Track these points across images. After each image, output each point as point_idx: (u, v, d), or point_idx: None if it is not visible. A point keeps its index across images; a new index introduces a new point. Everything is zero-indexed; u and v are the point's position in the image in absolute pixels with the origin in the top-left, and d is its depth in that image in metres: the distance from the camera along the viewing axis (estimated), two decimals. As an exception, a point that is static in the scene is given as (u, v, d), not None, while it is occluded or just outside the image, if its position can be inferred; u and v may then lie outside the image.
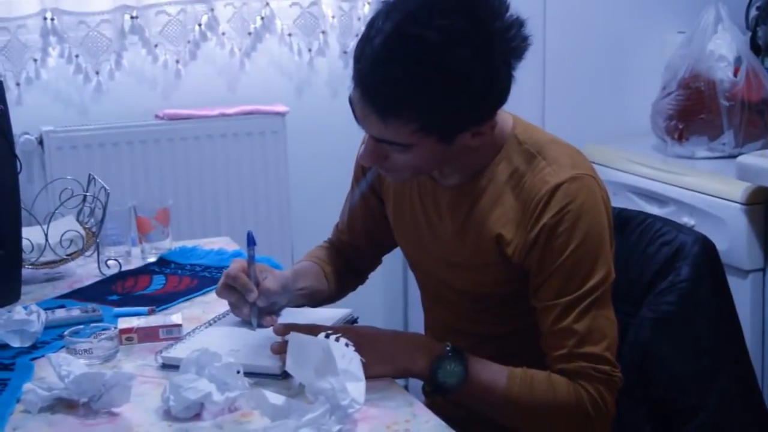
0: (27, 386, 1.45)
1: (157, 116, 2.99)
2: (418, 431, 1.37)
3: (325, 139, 3.14)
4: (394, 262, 2.25)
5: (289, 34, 3.09)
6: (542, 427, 1.56)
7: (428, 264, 1.73)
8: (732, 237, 2.43)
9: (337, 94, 3.15)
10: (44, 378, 1.49)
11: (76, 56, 2.90)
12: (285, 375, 1.49)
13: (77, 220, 2.13)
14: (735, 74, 2.72)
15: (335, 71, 3.16)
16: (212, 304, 1.83)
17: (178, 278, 2.01)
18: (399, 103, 1.45)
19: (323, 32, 3.11)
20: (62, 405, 1.45)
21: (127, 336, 1.67)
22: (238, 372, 1.42)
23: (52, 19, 2.86)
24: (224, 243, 2.22)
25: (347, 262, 1.91)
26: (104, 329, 1.65)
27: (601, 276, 1.53)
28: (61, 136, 2.88)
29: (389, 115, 1.47)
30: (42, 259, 1.99)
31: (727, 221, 2.46)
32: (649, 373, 1.69)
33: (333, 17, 3.10)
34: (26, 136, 2.84)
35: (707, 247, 1.71)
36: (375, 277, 1.99)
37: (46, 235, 1.97)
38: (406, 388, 1.53)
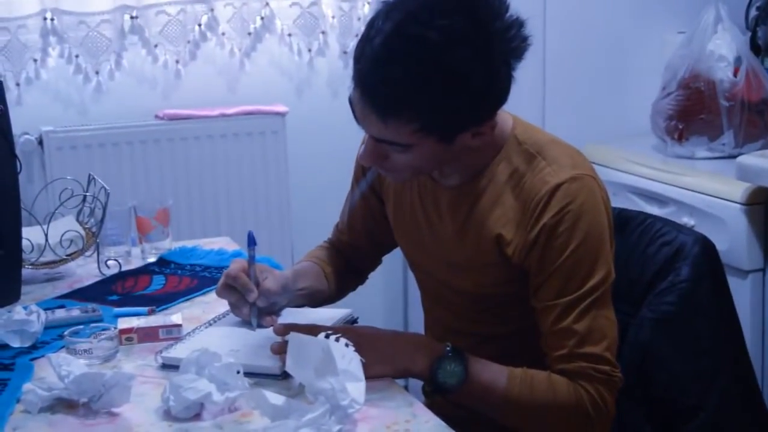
0: (27, 386, 1.44)
1: (157, 116, 2.99)
2: (418, 431, 1.37)
3: (325, 139, 3.14)
4: (394, 262, 2.25)
5: (289, 34, 3.09)
6: (542, 428, 1.56)
7: (428, 264, 1.73)
8: (732, 237, 2.43)
9: (337, 94, 3.15)
10: (44, 378, 1.49)
11: (76, 56, 2.90)
12: (285, 375, 1.49)
13: (77, 220, 2.13)
14: (735, 74, 2.72)
15: (335, 71, 3.16)
16: (212, 304, 1.83)
17: (178, 278, 2.01)
18: (399, 103, 1.45)
19: (323, 32, 3.11)
20: (62, 405, 1.45)
21: (127, 336, 1.67)
22: (238, 372, 1.42)
23: (52, 19, 2.86)
24: (224, 243, 2.22)
25: (347, 262, 1.91)
26: (104, 329, 1.65)
27: (601, 276, 1.53)
28: (61, 136, 2.88)
29: (389, 115, 1.47)
30: (42, 259, 1.99)
31: (727, 221, 2.46)
32: (649, 373, 1.69)
33: (333, 17, 3.10)
34: (26, 136, 2.85)
35: (707, 247, 1.71)
36: (375, 277, 1.99)
37: (46, 235, 1.97)
38: (406, 388, 1.53)
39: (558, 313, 1.53)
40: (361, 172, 1.82)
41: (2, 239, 1.81)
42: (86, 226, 2.10)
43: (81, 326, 1.67)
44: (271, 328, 1.59)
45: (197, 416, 1.40)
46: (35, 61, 2.87)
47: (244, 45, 3.05)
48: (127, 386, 1.41)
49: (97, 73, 2.92)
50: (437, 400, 1.56)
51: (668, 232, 1.74)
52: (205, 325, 1.71)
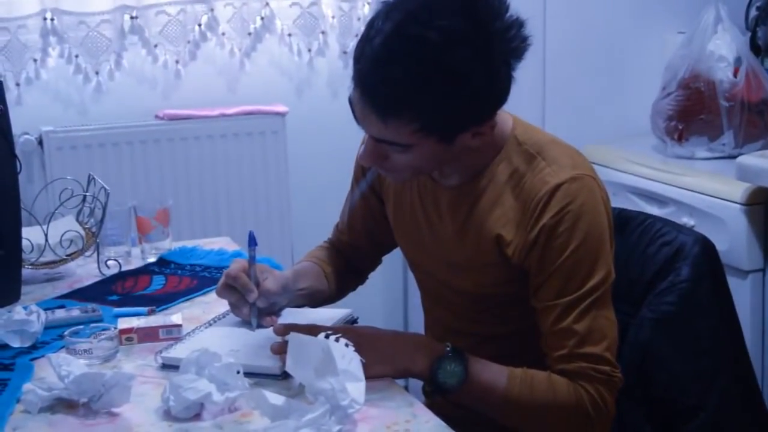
0: (27, 386, 1.44)
1: (157, 116, 2.99)
2: (418, 431, 1.37)
3: (325, 139, 3.14)
4: (394, 262, 2.25)
5: (289, 35, 3.09)
6: (542, 428, 1.56)
7: (428, 264, 1.73)
8: (732, 237, 2.43)
9: (337, 95, 3.15)
10: (44, 378, 1.49)
11: (76, 56, 2.90)
12: (285, 375, 1.49)
13: (77, 220, 2.13)
14: (735, 75, 2.73)
15: (335, 71, 3.16)
16: (212, 304, 1.83)
17: (178, 278, 2.01)
18: (399, 103, 1.45)
19: (323, 32, 3.11)
20: (62, 405, 1.45)
21: (127, 336, 1.67)
22: (238, 372, 1.42)
23: (52, 19, 2.86)
24: (224, 243, 2.22)
25: (347, 263, 1.91)
26: (104, 329, 1.65)
27: (601, 276, 1.53)
28: (61, 136, 2.88)
29: (389, 116, 1.47)
30: (42, 259, 1.99)
31: (727, 221, 2.46)
32: (649, 373, 1.69)
33: (333, 17, 3.10)
34: (26, 136, 2.85)
35: (707, 247, 1.71)
36: (375, 277, 1.99)
37: (46, 235, 1.97)
38: (406, 388, 1.53)
39: (558, 313, 1.53)
40: (361, 172, 1.82)
41: (2, 239, 1.81)
42: (86, 226, 2.10)
43: (81, 326, 1.67)
44: (271, 328, 1.59)
45: (197, 416, 1.40)
46: (35, 61, 2.87)
47: (244, 45, 3.05)
48: (127, 386, 1.41)
49: (97, 73, 2.92)
50: (437, 400, 1.56)
51: (668, 232, 1.74)
52: (205, 325, 1.71)
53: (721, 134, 2.72)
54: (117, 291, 1.95)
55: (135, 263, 2.10)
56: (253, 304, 1.66)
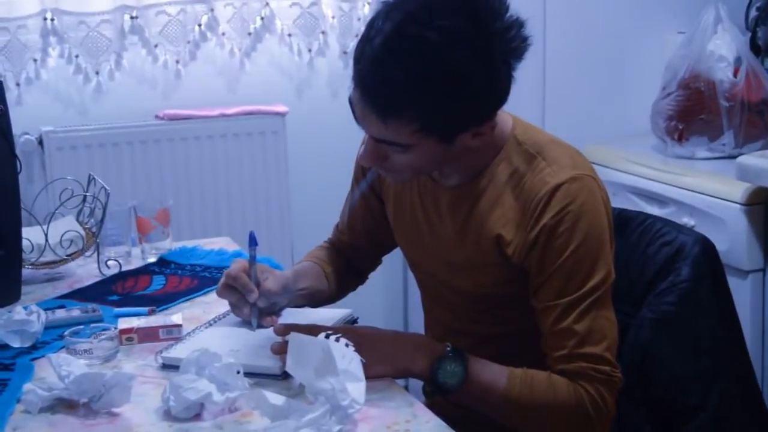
0: (27, 386, 1.45)
1: (157, 116, 2.99)
2: (419, 431, 1.37)
3: (325, 139, 3.14)
4: (394, 262, 2.25)
5: (289, 35, 3.09)
6: (542, 428, 1.56)
7: (428, 264, 1.73)
8: (732, 237, 2.43)
9: (337, 95, 3.15)
10: (44, 378, 1.50)
11: (76, 56, 2.90)
12: (285, 375, 1.49)
13: (77, 220, 2.13)
14: (735, 75, 2.73)
15: (335, 71, 3.16)
16: (212, 304, 1.83)
17: (179, 278, 2.01)
18: (399, 103, 1.45)
19: (323, 32, 3.11)
20: (62, 405, 1.45)
21: (128, 336, 1.67)
22: (238, 372, 1.42)
23: (52, 20, 2.86)
24: (224, 243, 2.22)
25: (347, 263, 1.91)
26: (104, 329, 1.65)
27: (601, 276, 1.53)
28: (61, 136, 2.88)
29: (389, 116, 1.47)
30: (42, 259, 1.99)
31: (727, 221, 2.46)
32: (649, 374, 1.69)
33: (333, 17, 3.10)
34: (26, 136, 2.85)
35: (707, 247, 1.71)
36: (375, 277, 1.99)
37: (46, 235, 1.97)
38: (406, 388, 1.53)
39: (558, 313, 1.53)
40: (361, 172, 1.82)
41: (2, 239, 1.81)
42: (86, 226, 2.10)
43: (81, 326, 1.67)
44: (272, 328, 1.59)
45: (197, 416, 1.40)
46: (35, 61, 2.87)
47: (244, 45, 3.05)
48: (127, 386, 1.42)
49: (97, 73, 2.92)
50: (437, 400, 1.56)
51: (668, 232, 1.75)
52: (205, 325, 1.71)
53: (721, 134, 2.73)
54: (117, 291, 1.95)
55: (135, 263, 2.10)
56: (253, 304, 1.66)
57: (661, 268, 1.72)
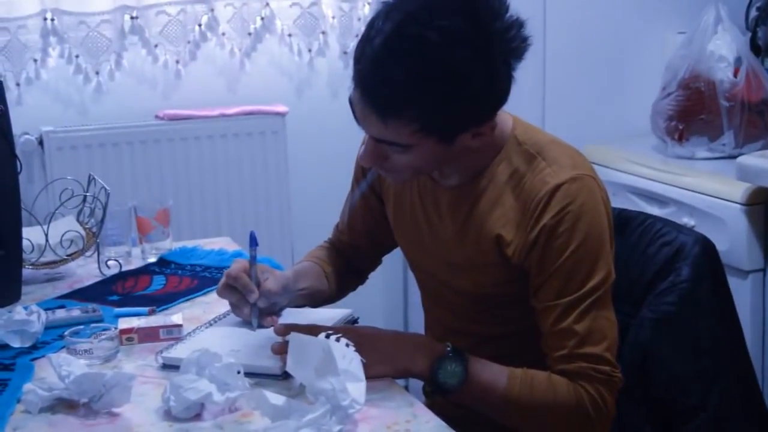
0: (27, 386, 1.45)
1: (157, 116, 2.99)
2: (419, 431, 1.37)
3: (325, 139, 3.14)
4: (394, 262, 2.26)
5: (289, 35, 3.09)
6: (542, 428, 1.56)
7: (428, 264, 1.73)
8: (732, 237, 2.43)
9: (337, 95, 3.15)
10: (44, 378, 1.50)
11: (76, 56, 2.90)
12: (285, 375, 1.49)
13: (77, 220, 2.13)
14: (735, 75, 2.73)
15: (335, 71, 3.16)
16: (213, 304, 1.83)
17: (179, 278, 2.01)
18: (399, 103, 1.45)
19: (323, 32, 3.11)
20: (62, 405, 1.45)
21: (128, 336, 1.67)
22: (239, 372, 1.42)
23: (52, 20, 2.86)
24: (224, 243, 2.23)
25: (347, 263, 1.91)
26: (104, 329, 1.65)
27: (602, 276, 1.53)
28: (61, 136, 2.88)
29: (389, 116, 1.47)
30: (42, 260, 1.99)
31: (727, 222, 2.46)
32: (649, 374, 1.69)
33: (333, 17, 3.10)
34: (26, 136, 2.85)
35: (707, 247, 1.71)
36: (375, 277, 1.99)
37: (46, 236, 1.97)
38: (406, 388, 1.53)
39: (558, 313, 1.53)
40: (361, 172, 1.82)
41: (2, 239, 1.81)
42: (86, 226, 2.10)
43: (81, 326, 1.67)
44: (272, 328, 1.59)
45: (198, 416, 1.40)
46: (35, 61, 2.87)
47: (244, 45, 3.05)
48: (127, 386, 1.42)
49: (97, 73, 2.92)
50: (438, 400, 1.56)
51: (668, 232, 1.75)
52: (205, 325, 1.71)
53: (722, 134, 2.73)
54: (117, 291, 1.95)
55: (135, 263, 2.10)
56: (253, 304, 1.66)
57: (661, 268, 1.72)
